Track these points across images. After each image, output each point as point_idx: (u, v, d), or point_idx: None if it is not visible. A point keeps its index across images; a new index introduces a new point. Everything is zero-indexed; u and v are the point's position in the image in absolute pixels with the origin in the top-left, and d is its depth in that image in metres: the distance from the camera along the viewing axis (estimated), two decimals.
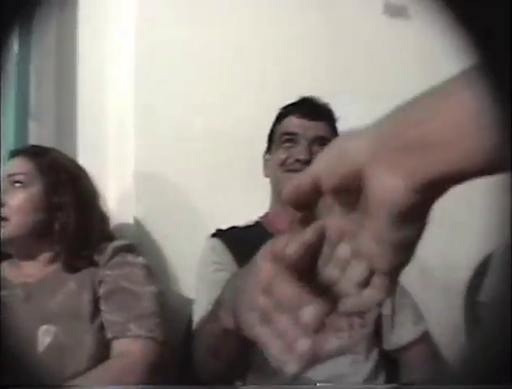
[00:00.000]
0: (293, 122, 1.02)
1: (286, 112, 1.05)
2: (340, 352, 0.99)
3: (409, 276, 1.31)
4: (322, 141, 1.00)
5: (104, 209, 1.03)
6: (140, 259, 0.93)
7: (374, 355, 0.98)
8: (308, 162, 0.96)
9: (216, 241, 0.99)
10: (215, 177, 1.20)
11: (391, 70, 1.39)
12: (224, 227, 1.03)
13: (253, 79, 1.26)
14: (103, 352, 0.85)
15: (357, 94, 1.31)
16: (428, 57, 1.44)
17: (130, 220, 1.18)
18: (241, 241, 0.97)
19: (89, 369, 0.81)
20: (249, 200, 1.13)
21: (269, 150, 1.06)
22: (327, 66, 1.32)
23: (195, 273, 0.99)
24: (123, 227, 1.17)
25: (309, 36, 1.32)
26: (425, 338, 1.04)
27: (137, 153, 1.19)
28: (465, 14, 0.24)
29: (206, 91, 1.23)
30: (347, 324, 1.07)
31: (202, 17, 1.24)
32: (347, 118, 1.26)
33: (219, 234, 1.01)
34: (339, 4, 1.36)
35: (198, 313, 0.90)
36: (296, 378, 0.88)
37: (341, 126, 1.06)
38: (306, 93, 1.06)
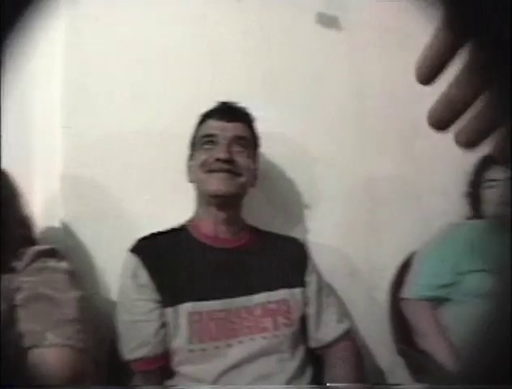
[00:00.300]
0: (212, 125, 1.03)
1: (205, 117, 1.07)
2: (266, 351, 1.01)
3: (338, 277, 1.38)
4: (241, 141, 1.03)
5: (27, 212, 0.99)
6: (63, 264, 0.90)
7: (300, 353, 1.01)
8: (228, 161, 0.98)
9: (134, 260, 0.96)
10: (144, 178, 1.19)
11: (320, 78, 1.44)
12: (149, 233, 1.02)
13: (184, 80, 1.26)
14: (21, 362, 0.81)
15: (287, 98, 1.36)
16: (356, 68, 1.51)
17: (57, 224, 1.14)
18: (160, 253, 0.97)
19: None
20: (178, 202, 1.13)
21: (191, 156, 1.07)
22: (260, 72, 1.35)
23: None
24: (49, 231, 1.13)
25: (244, 39, 1.34)
26: (349, 335, 1.09)
27: (64, 155, 1.16)
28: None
29: (134, 93, 1.21)
30: (272, 324, 1.10)
31: (131, 16, 1.22)
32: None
33: (138, 250, 0.97)
34: (274, 10, 1.39)
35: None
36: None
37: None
38: (237, 96, 1.09)
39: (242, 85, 1.28)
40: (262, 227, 1.16)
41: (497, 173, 1.30)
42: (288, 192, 1.34)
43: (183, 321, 0.91)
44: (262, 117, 1.13)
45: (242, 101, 1.09)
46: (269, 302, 0.99)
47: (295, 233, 1.24)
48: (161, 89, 1.24)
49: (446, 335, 1.21)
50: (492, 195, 1.29)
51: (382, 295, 1.41)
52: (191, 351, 0.90)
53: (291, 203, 1.35)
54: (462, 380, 0.35)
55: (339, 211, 1.40)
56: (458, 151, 1.30)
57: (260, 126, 1.11)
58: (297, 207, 1.34)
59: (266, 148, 1.20)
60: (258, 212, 1.22)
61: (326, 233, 1.35)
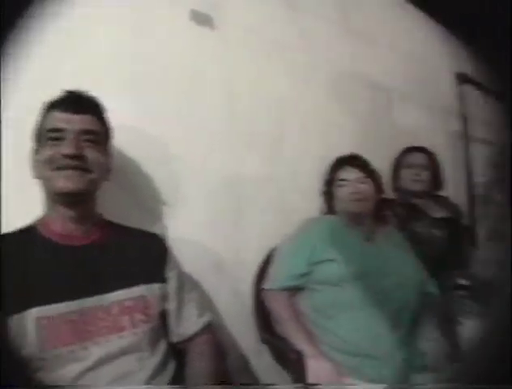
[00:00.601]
0: (57, 117, 0.95)
1: (49, 107, 0.98)
2: (125, 350, 0.99)
3: (204, 271, 1.41)
4: (90, 134, 0.96)
5: None
6: None
7: (161, 348, 1.02)
8: (76, 157, 0.92)
9: None
10: None
11: (192, 75, 1.46)
12: None
13: (45, 68, 1.16)
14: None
15: (152, 93, 1.34)
16: (228, 67, 1.56)
17: None
18: (4, 257, 0.88)
19: None
20: (25, 201, 1.04)
21: (36, 151, 0.98)
22: (128, 64, 1.31)
23: None
24: None
25: (115, 31, 1.29)
26: (209, 328, 1.12)
27: None
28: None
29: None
30: (129, 322, 1.09)
31: None
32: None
33: None
34: (150, 5, 1.36)
35: None
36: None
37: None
38: (98, 89, 1.03)
39: (105, 78, 1.23)
40: (122, 223, 1.12)
41: (347, 174, 1.45)
42: (150, 188, 1.32)
43: (30, 328, 0.85)
44: (122, 109, 1.09)
45: (100, 94, 1.03)
46: (126, 300, 0.97)
47: (157, 229, 1.23)
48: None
49: (302, 321, 1.32)
50: (343, 193, 1.44)
51: (247, 287, 1.49)
52: (43, 359, 0.85)
53: (153, 198, 1.33)
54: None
55: (205, 207, 1.43)
56: (318, 153, 1.46)
57: (117, 118, 1.06)
58: (160, 203, 1.34)
59: (124, 143, 1.17)
60: (117, 208, 1.17)
61: (192, 229, 1.38)
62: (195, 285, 1.26)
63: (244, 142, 1.57)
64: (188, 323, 1.09)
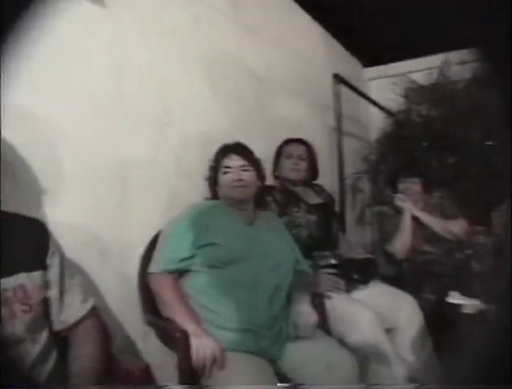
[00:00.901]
0: None
1: None
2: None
3: (88, 256, 1.38)
4: None
5: None
6: None
7: (44, 337, 1.00)
8: None
9: None
10: None
11: (83, 53, 1.41)
12: None
13: None
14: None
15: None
16: (118, 47, 1.52)
17: None
18: None
19: None
20: None
21: None
22: None
23: None
24: None
25: None
26: (94, 312, 1.12)
27: None
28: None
29: None
30: (8, 313, 1.04)
31: None
32: None
33: None
34: None
35: None
36: None
37: None
38: None
39: None
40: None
41: (231, 161, 1.53)
42: (31, 172, 1.25)
43: None
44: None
45: None
46: (4, 290, 0.93)
47: (38, 215, 1.19)
48: None
49: (187, 303, 1.37)
50: (226, 180, 1.52)
51: (133, 271, 1.50)
52: None
53: (34, 183, 1.27)
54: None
55: (88, 191, 1.40)
56: (202, 139, 1.52)
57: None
58: (41, 188, 1.28)
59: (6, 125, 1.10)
60: None
61: (75, 214, 1.34)
62: (78, 270, 1.24)
63: (129, 126, 1.55)
64: (71, 310, 1.07)
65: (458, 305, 1.22)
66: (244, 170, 1.51)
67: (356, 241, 3.07)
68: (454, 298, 1.29)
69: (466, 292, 1.31)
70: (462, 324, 1.13)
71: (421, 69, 3.23)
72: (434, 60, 3.15)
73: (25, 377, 0.81)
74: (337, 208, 2.47)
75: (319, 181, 2.16)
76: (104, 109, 1.47)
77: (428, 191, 2.38)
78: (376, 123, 3.51)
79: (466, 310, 1.18)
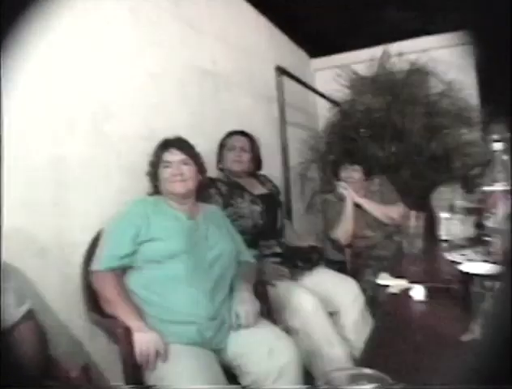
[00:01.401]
0: None
1: None
2: None
3: (26, 257, 1.34)
4: None
5: None
6: None
7: None
8: None
9: None
10: None
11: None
12: None
13: None
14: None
15: None
16: (52, 41, 1.48)
17: None
18: None
19: None
20: None
21: None
22: None
23: None
24: None
25: None
26: (30, 315, 1.11)
27: None
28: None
29: None
30: None
31: None
32: None
33: None
34: None
35: None
36: None
37: None
38: None
39: None
40: None
41: (171, 156, 1.53)
42: None
43: None
44: None
45: None
46: None
47: None
48: None
49: (129, 299, 1.37)
50: (166, 174, 1.52)
51: (75, 270, 1.48)
52: None
53: None
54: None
55: (24, 190, 1.36)
56: (143, 134, 1.51)
57: None
58: None
59: None
60: None
61: (9, 214, 1.30)
62: (14, 273, 1.21)
63: (66, 121, 1.52)
64: (5, 315, 1.05)
65: (386, 286, 1.29)
66: (184, 164, 1.52)
67: (307, 228, 3.16)
68: (382, 279, 1.36)
69: (394, 273, 1.39)
70: (387, 304, 1.20)
71: (364, 60, 3.33)
72: (377, 51, 3.26)
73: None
74: (283, 198, 2.52)
75: (266, 171, 2.20)
76: (40, 105, 1.42)
77: (368, 178, 2.47)
78: (323, 113, 3.60)
79: (392, 290, 1.25)
